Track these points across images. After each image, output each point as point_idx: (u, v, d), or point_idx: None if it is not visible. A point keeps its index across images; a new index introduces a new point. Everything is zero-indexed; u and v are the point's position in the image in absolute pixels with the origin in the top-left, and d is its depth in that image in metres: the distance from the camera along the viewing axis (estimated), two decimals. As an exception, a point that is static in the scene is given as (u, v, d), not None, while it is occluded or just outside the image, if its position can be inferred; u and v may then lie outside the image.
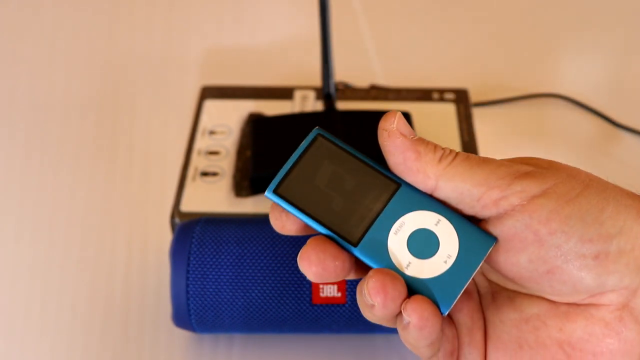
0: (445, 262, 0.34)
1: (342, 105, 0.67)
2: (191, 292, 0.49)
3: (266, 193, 0.35)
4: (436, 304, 0.33)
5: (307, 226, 0.35)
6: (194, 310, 0.50)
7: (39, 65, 0.82)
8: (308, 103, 0.68)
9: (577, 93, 0.75)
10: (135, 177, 0.68)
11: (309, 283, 0.49)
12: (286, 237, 0.49)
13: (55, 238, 0.63)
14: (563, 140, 0.72)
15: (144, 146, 0.71)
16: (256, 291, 0.49)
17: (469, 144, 0.63)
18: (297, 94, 0.69)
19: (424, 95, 0.69)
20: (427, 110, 0.67)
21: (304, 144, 0.35)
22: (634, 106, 0.75)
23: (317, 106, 0.67)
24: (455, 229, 0.34)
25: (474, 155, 0.34)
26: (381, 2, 0.89)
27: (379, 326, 0.36)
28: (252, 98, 0.69)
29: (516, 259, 0.33)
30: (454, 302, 0.33)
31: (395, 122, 0.34)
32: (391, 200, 0.34)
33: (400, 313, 0.33)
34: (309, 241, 0.34)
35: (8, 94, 0.78)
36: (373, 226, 0.34)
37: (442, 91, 0.69)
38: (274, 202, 0.35)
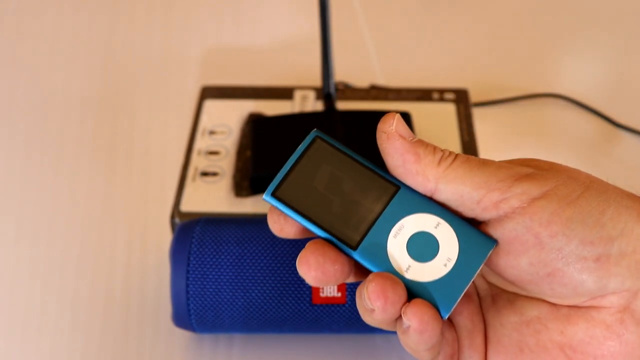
0: (445, 265, 0.33)
1: (342, 105, 0.67)
2: (191, 292, 0.49)
3: (264, 196, 0.34)
4: (436, 307, 0.33)
5: (305, 229, 0.35)
6: (194, 310, 0.50)
7: (39, 65, 0.81)
8: (308, 103, 0.68)
9: (577, 93, 0.75)
10: (135, 177, 0.68)
11: (309, 283, 0.49)
12: (286, 238, 0.49)
13: (55, 238, 0.63)
14: (563, 140, 0.72)
15: (144, 146, 0.71)
16: (256, 291, 0.49)
17: (469, 144, 0.63)
18: (297, 94, 0.69)
19: (424, 95, 0.69)
20: (427, 110, 0.67)
21: (302, 146, 0.35)
22: (634, 106, 0.75)
23: (317, 106, 0.67)
24: (455, 232, 0.34)
25: (473, 157, 0.34)
26: (381, 2, 0.89)
27: (379, 327, 0.36)
28: (252, 98, 0.68)
29: (516, 262, 0.33)
30: (454, 306, 0.33)
31: (394, 124, 0.34)
32: (390, 203, 0.34)
33: (400, 317, 0.33)
34: (307, 245, 0.34)
35: (8, 94, 0.78)
36: (372, 229, 0.34)
37: (442, 91, 0.69)
38: (272, 205, 0.35)
